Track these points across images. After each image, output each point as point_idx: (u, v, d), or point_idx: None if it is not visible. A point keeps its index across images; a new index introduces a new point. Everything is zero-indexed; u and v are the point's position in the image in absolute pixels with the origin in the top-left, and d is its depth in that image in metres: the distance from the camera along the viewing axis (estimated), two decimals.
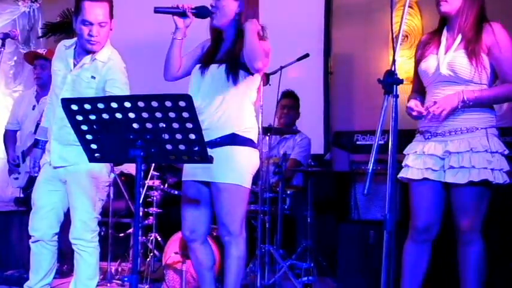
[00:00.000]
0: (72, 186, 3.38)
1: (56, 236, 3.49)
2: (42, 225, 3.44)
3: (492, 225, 3.95)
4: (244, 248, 3.20)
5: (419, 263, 3.13)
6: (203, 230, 3.27)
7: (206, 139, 2.98)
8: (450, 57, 3.00)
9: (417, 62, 3.18)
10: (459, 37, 3.02)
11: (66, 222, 3.48)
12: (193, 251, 3.30)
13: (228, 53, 3.15)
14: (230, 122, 3.13)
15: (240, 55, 3.08)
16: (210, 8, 3.15)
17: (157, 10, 3.09)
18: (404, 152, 3.11)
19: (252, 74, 3.15)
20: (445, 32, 3.10)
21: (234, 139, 3.12)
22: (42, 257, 3.47)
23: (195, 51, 3.33)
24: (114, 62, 3.41)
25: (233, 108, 3.14)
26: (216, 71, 3.13)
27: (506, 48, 2.96)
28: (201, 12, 3.13)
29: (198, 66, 3.23)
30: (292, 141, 5.34)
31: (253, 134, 3.20)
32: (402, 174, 3.13)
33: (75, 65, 3.42)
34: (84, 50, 3.40)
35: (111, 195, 4.45)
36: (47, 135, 3.53)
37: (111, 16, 3.37)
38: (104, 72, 3.37)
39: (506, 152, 3.01)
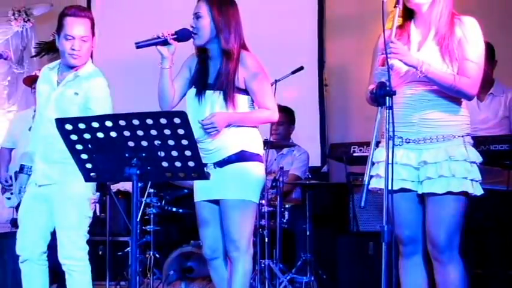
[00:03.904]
0: (58, 205, 3.36)
1: (45, 255, 3.45)
2: (28, 244, 3.42)
3: (489, 232, 3.99)
4: (250, 264, 3.21)
5: (415, 279, 2.92)
6: (223, 247, 3.27)
7: (216, 159, 3.14)
8: (425, 55, 2.79)
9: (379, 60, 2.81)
10: (432, 32, 2.83)
11: (55, 242, 3.44)
12: (215, 269, 3.31)
13: (220, 77, 3.15)
14: (238, 140, 3.16)
15: (233, 79, 3.11)
16: (190, 28, 3.15)
17: (138, 45, 3.09)
18: (373, 160, 2.80)
19: (249, 94, 3.18)
20: (412, 27, 2.88)
21: (242, 156, 3.15)
22: (32, 277, 3.43)
23: (183, 72, 3.31)
24: (96, 79, 3.43)
25: (238, 127, 3.17)
26: (214, 98, 3.15)
27: (473, 45, 2.77)
28: (181, 35, 3.12)
29: (193, 92, 3.23)
30: (290, 157, 5.33)
31: (259, 149, 3.24)
32: (375, 184, 2.84)
33: (58, 83, 3.44)
34: (67, 66, 3.44)
35: (108, 213, 4.43)
36: (33, 158, 3.52)
37: (93, 33, 3.42)
38: (86, 88, 3.38)
39: (479, 163, 2.83)
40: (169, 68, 3.18)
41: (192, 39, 3.18)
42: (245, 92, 3.18)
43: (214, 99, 3.14)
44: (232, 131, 3.16)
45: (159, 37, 3.10)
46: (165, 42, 3.11)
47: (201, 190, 3.24)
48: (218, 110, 3.13)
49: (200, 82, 3.22)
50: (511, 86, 4.35)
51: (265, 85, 3.22)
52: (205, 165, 3.13)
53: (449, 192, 2.74)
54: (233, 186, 3.13)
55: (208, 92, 3.17)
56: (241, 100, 3.17)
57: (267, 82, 3.26)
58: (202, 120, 3.10)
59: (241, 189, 3.13)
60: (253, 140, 3.22)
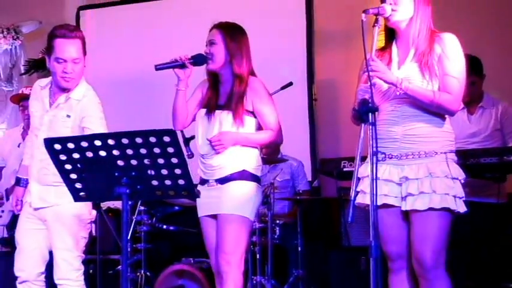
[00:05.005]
0: (53, 226, 3.35)
1: (43, 276, 3.44)
2: (27, 265, 3.40)
3: (481, 245, 3.99)
4: (241, 281, 3.26)
5: None
6: None
7: (218, 176, 3.30)
8: (405, 73, 2.82)
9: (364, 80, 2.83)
10: (412, 51, 2.86)
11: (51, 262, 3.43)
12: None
13: (230, 99, 3.32)
14: (241, 160, 3.31)
15: (243, 101, 3.29)
16: (205, 54, 3.34)
17: (158, 68, 3.30)
18: (359, 176, 2.80)
19: (256, 117, 3.35)
20: (394, 47, 2.93)
21: (243, 175, 3.30)
22: None
23: (196, 95, 3.49)
24: (88, 98, 3.43)
25: (242, 148, 3.32)
26: (223, 117, 3.31)
27: (453, 60, 2.80)
28: (198, 60, 3.33)
29: (203, 112, 3.40)
30: (286, 167, 5.33)
31: (259, 171, 3.40)
32: (359, 200, 2.86)
33: (51, 105, 3.42)
34: (59, 88, 3.41)
35: (98, 232, 4.40)
36: (28, 175, 3.51)
37: (85, 53, 3.40)
38: (79, 110, 3.38)
39: (464, 180, 2.83)
40: (185, 90, 3.36)
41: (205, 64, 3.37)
42: (253, 114, 3.34)
43: (223, 118, 3.31)
44: (236, 151, 3.30)
45: (176, 61, 3.30)
46: (182, 66, 3.30)
47: (203, 206, 3.37)
48: (227, 128, 3.28)
49: (211, 103, 3.39)
50: (500, 99, 4.37)
51: (272, 108, 3.37)
52: (207, 181, 3.33)
53: (431, 209, 2.74)
54: (231, 202, 3.25)
55: (218, 112, 3.33)
56: (249, 121, 3.33)
57: (273, 106, 3.40)
58: (211, 138, 3.27)
59: (239, 206, 3.25)
60: (254, 162, 3.37)
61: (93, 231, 3.60)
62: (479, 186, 3.94)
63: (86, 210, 3.41)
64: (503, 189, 4.08)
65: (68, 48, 3.31)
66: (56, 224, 3.34)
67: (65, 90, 3.40)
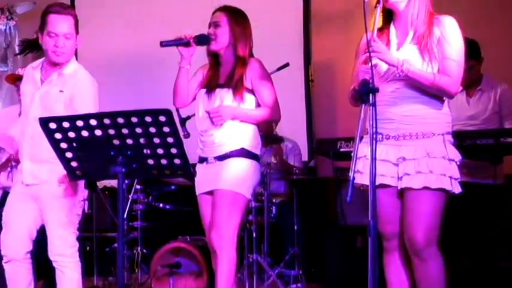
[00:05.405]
0: (47, 203, 3.35)
1: (29, 254, 3.43)
2: (14, 245, 3.39)
3: (477, 225, 4.03)
4: (235, 256, 3.32)
5: (399, 274, 2.95)
6: None
7: (217, 153, 3.37)
8: (404, 55, 2.81)
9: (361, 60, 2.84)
10: (411, 33, 2.84)
11: (40, 237, 3.43)
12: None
13: (230, 77, 3.40)
14: (240, 138, 3.38)
15: (242, 79, 3.37)
16: (208, 35, 3.42)
17: (163, 45, 3.35)
18: (358, 156, 2.75)
19: (255, 95, 3.42)
20: (392, 28, 2.91)
21: (242, 152, 3.37)
22: (17, 277, 3.41)
23: (197, 76, 3.56)
24: (81, 75, 3.43)
25: (241, 125, 3.39)
26: (223, 94, 3.38)
27: (453, 44, 2.80)
28: (201, 40, 3.41)
29: (203, 91, 3.47)
30: (283, 147, 5.35)
31: (258, 149, 3.46)
32: (357, 180, 2.78)
33: (42, 82, 3.43)
34: (50, 65, 3.42)
35: (92, 210, 4.42)
36: (19, 156, 3.51)
37: (77, 31, 3.41)
38: (72, 85, 3.38)
39: (459, 162, 2.84)
40: (188, 68, 3.42)
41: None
42: (252, 92, 3.40)
43: (223, 94, 3.38)
44: (235, 127, 3.36)
45: (181, 39, 3.37)
46: (186, 44, 3.37)
47: (201, 183, 3.43)
48: (227, 104, 3.35)
49: (211, 82, 3.46)
50: (500, 81, 4.37)
51: (270, 87, 3.45)
52: (206, 159, 3.40)
53: (426, 188, 2.76)
54: (228, 178, 3.31)
55: (218, 90, 3.41)
56: (249, 98, 3.40)
57: (271, 84, 3.47)
58: (210, 110, 3.34)
59: (235, 182, 3.31)
60: (253, 140, 3.43)
61: (86, 209, 3.60)
62: (476, 167, 3.95)
63: (78, 187, 3.38)
64: (500, 170, 4.09)
65: (60, 23, 3.33)
66: (50, 201, 3.33)
67: (56, 65, 3.40)
